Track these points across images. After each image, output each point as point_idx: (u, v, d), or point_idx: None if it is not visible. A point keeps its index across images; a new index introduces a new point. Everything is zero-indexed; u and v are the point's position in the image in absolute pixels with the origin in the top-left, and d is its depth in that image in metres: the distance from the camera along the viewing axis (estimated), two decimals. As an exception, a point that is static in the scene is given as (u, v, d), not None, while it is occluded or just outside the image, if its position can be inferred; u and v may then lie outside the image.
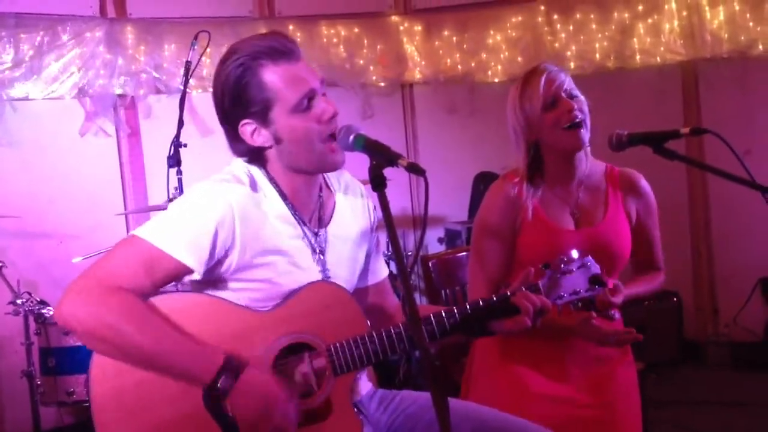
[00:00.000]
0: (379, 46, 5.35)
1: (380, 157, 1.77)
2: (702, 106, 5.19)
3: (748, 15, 4.91)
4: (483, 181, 5.11)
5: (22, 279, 3.95)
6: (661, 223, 2.66)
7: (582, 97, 2.46)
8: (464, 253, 3.15)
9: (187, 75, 4.09)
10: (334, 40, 5.26)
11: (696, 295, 5.33)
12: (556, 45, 5.29)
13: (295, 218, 2.00)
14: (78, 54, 4.57)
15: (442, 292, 3.10)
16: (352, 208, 2.16)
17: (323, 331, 1.93)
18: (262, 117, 1.93)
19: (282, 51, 1.92)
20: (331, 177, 2.16)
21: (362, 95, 5.32)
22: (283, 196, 2.00)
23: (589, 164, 2.56)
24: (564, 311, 2.12)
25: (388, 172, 1.76)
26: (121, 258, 1.85)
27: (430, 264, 3.10)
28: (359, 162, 1.97)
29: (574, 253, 2.10)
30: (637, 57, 5.21)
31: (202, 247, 1.85)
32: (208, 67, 4.72)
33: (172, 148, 3.96)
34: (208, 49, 4.20)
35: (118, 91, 4.74)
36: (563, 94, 2.43)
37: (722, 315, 5.26)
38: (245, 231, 1.90)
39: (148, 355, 1.79)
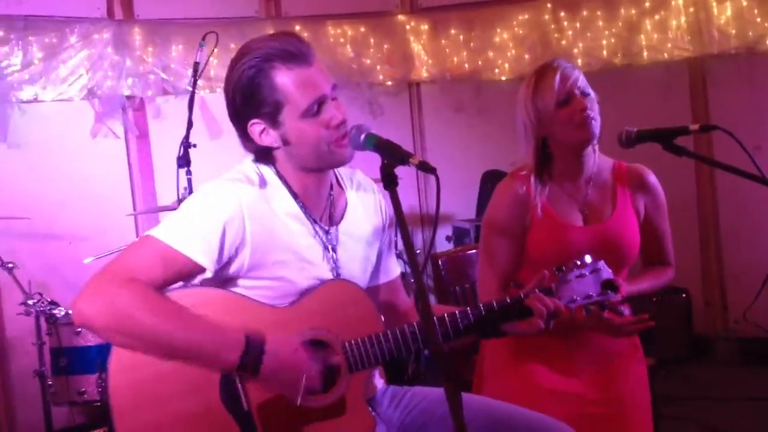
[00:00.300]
0: (385, 46, 5.35)
1: (391, 155, 1.78)
2: (710, 102, 5.18)
3: (755, 10, 4.89)
4: (491, 179, 5.11)
5: (33, 280, 3.97)
6: (670, 219, 2.66)
7: (593, 95, 2.47)
8: (473, 251, 3.15)
9: (195, 76, 4.11)
10: (341, 39, 5.27)
11: (705, 291, 5.32)
12: (563, 42, 5.29)
13: (305, 216, 2.01)
14: (86, 56, 4.60)
15: (452, 289, 3.11)
16: (364, 207, 2.17)
17: (339, 328, 1.95)
18: (272, 118, 1.94)
19: (295, 54, 1.92)
20: (343, 175, 2.17)
21: (369, 95, 5.32)
22: (294, 194, 2.01)
23: (597, 161, 2.56)
24: (576, 314, 2.13)
25: (396, 170, 1.77)
26: (135, 256, 1.87)
27: (439, 262, 3.11)
28: (367, 161, 1.99)
29: (588, 257, 2.12)
30: (645, 53, 5.20)
31: (212, 245, 1.87)
32: (215, 67, 4.73)
33: (182, 148, 3.97)
34: (216, 50, 4.21)
35: (127, 93, 4.76)
36: (576, 92, 2.43)
37: (731, 311, 5.25)
38: (256, 230, 1.92)
39: (169, 341, 1.80)
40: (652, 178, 2.61)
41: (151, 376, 1.84)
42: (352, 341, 1.95)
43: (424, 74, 5.47)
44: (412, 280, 3.22)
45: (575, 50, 5.26)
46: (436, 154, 5.47)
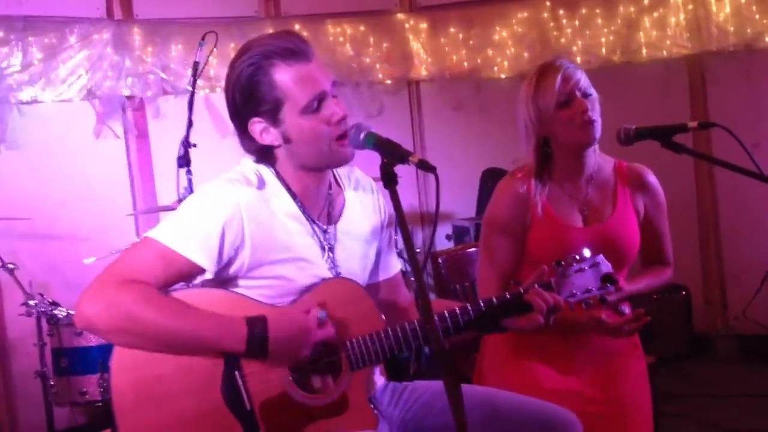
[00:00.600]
0: (385, 44, 5.36)
1: (391, 154, 1.79)
2: (709, 99, 5.18)
3: (754, 7, 4.89)
4: (491, 178, 5.11)
5: (34, 280, 3.97)
6: (669, 218, 2.67)
7: (595, 95, 2.46)
8: (474, 249, 3.16)
9: (195, 75, 4.11)
10: (341, 38, 5.27)
11: (705, 289, 5.32)
12: (562, 40, 5.29)
13: (304, 216, 2.02)
14: (86, 56, 4.60)
15: (453, 287, 3.11)
16: (362, 205, 2.17)
17: (339, 326, 1.95)
18: (272, 116, 1.95)
19: (295, 51, 1.93)
20: (341, 173, 2.17)
21: (369, 93, 5.33)
22: (293, 194, 2.02)
23: (598, 160, 2.56)
24: (576, 309, 2.13)
25: (395, 169, 1.78)
26: (135, 258, 1.88)
27: (439, 260, 3.12)
28: (366, 159, 2.00)
29: (586, 252, 2.11)
30: (644, 51, 5.20)
31: (211, 246, 1.88)
32: (215, 67, 4.74)
33: (182, 148, 3.98)
34: (215, 50, 4.21)
35: (126, 93, 4.76)
36: (578, 93, 2.43)
37: (731, 308, 5.26)
38: (255, 230, 1.92)
39: (173, 335, 1.81)
40: (652, 178, 2.61)
41: (153, 376, 1.84)
42: (353, 339, 1.96)
43: (424, 73, 5.47)
44: (413, 279, 3.22)
45: (574, 48, 5.26)
46: (435, 153, 5.47)
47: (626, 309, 2.37)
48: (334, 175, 2.14)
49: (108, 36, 4.66)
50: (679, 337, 4.97)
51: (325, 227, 2.06)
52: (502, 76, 5.41)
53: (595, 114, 2.43)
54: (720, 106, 5.10)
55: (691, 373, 4.87)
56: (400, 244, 4.04)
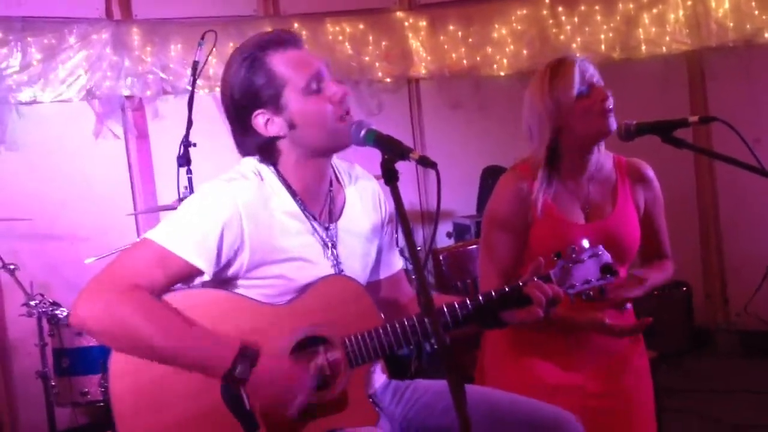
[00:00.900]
0: (384, 43, 5.36)
1: (392, 151, 1.78)
2: (708, 95, 5.18)
3: (753, 3, 4.88)
4: (491, 175, 5.11)
5: (34, 281, 3.97)
6: (670, 213, 2.67)
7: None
8: (474, 246, 3.16)
9: (194, 75, 4.11)
10: (340, 37, 5.27)
11: (706, 284, 5.32)
12: (562, 37, 5.28)
13: (304, 214, 2.02)
14: (85, 56, 4.59)
15: (454, 285, 3.11)
16: (362, 202, 2.17)
17: (338, 323, 1.95)
18: (274, 104, 1.95)
19: (285, 39, 1.97)
20: (342, 171, 2.17)
21: (368, 92, 5.33)
22: (293, 192, 2.01)
23: (601, 157, 2.55)
24: (576, 302, 2.12)
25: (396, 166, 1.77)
26: (134, 259, 1.87)
27: (440, 257, 3.12)
28: (367, 157, 2.00)
29: (585, 243, 2.10)
30: (643, 47, 5.20)
31: (209, 248, 1.87)
32: (214, 66, 4.74)
33: (182, 147, 3.98)
34: (214, 49, 4.21)
35: (126, 93, 4.76)
36: (596, 83, 2.43)
37: (732, 303, 5.26)
38: (254, 230, 1.92)
39: (164, 351, 1.82)
40: (651, 173, 2.61)
41: (152, 379, 1.84)
42: (352, 336, 1.95)
43: (423, 71, 5.47)
44: (413, 277, 3.22)
45: (573, 45, 5.26)
46: (435, 151, 5.47)
47: (628, 305, 2.37)
48: (335, 172, 2.14)
49: (107, 36, 4.65)
50: (680, 333, 4.98)
51: (327, 225, 2.06)
52: (502, 73, 5.41)
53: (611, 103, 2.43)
54: (719, 102, 5.09)
55: (692, 368, 4.88)
56: (401, 242, 4.04)
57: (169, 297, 1.88)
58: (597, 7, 5.24)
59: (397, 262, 2.29)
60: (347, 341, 1.95)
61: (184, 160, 3.97)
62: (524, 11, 5.36)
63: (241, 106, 1.97)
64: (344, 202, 2.13)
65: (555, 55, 2.57)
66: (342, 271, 2.05)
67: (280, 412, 1.86)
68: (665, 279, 2.61)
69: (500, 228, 2.52)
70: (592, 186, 2.54)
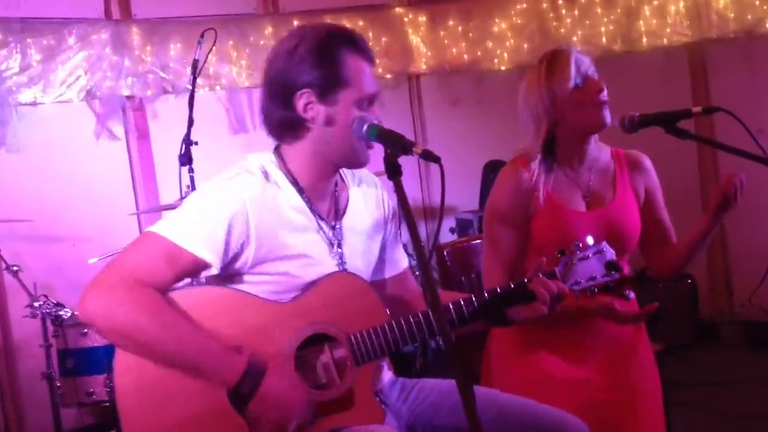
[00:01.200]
0: (384, 39, 5.35)
1: (394, 145, 1.78)
2: (710, 87, 5.17)
3: (753, -7, 4.89)
4: (493, 170, 5.10)
5: (38, 282, 3.97)
6: (673, 204, 2.67)
7: None
8: (478, 241, 3.15)
9: (194, 73, 4.10)
10: (339, 33, 5.25)
11: (710, 276, 5.31)
12: (562, 31, 5.28)
13: (311, 211, 2.01)
14: (84, 57, 4.58)
15: (458, 280, 3.10)
16: (365, 201, 2.16)
17: (343, 321, 1.94)
18: (326, 93, 1.93)
19: (365, 48, 1.99)
20: (346, 170, 2.16)
21: (369, 88, 5.31)
22: (299, 189, 2.00)
23: (597, 149, 2.56)
24: (581, 297, 2.12)
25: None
26: (140, 254, 1.87)
27: (444, 252, 3.11)
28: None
29: (590, 240, 2.10)
30: (644, 40, 5.19)
31: (217, 241, 1.87)
32: (214, 65, 4.74)
33: (183, 146, 3.97)
34: (214, 47, 4.21)
35: (126, 93, 4.75)
36: (592, 74, 2.44)
37: (737, 295, 5.25)
38: (260, 225, 1.91)
39: (170, 354, 1.82)
40: (648, 162, 2.63)
41: (157, 376, 1.84)
42: (357, 333, 1.95)
43: (423, 66, 5.46)
44: (417, 273, 3.21)
45: (574, 38, 5.25)
46: (437, 146, 5.43)
47: (631, 294, 2.36)
48: (340, 173, 2.13)
49: (106, 36, 4.64)
50: (685, 325, 4.97)
51: (333, 223, 2.05)
52: (503, 68, 5.40)
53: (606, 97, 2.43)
54: (721, 93, 5.08)
55: (697, 360, 4.87)
56: (405, 236, 4.03)
57: (173, 294, 1.88)
58: (597, 0, 5.22)
59: (402, 260, 2.28)
60: (353, 339, 1.94)
61: (185, 158, 3.97)
62: (524, 5, 5.35)
63: (293, 78, 1.94)
64: (348, 201, 2.12)
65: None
66: (346, 269, 2.04)
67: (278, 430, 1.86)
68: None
69: (502, 221, 2.51)
70: (591, 175, 2.55)
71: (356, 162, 2.02)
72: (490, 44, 5.39)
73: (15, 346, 4.43)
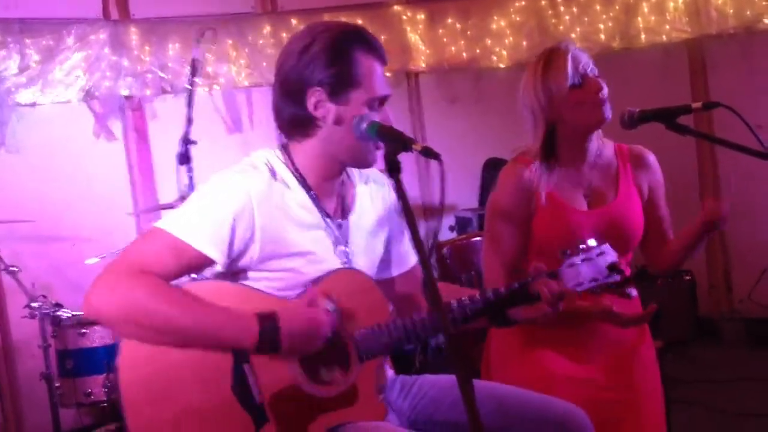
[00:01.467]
0: (382, 37, 5.31)
1: (394, 142, 1.78)
2: (709, 83, 5.18)
3: (752, -11, 4.89)
4: (493, 168, 5.10)
5: (37, 282, 3.97)
6: (672, 200, 2.65)
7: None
8: (477, 238, 3.15)
9: (193, 73, 4.10)
10: (338, 32, 5.25)
11: (709, 273, 5.32)
12: (561, 28, 5.28)
13: (317, 208, 2.00)
14: (83, 57, 4.58)
15: (459, 277, 3.10)
16: (372, 198, 2.16)
17: (347, 317, 1.94)
18: (337, 91, 1.93)
19: (378, 48, 1.98)
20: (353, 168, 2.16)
21: (367, 86, 5.30)
22: (306, 186, 2.00)
23: (599, 145, 2.54)
24: (583, 297, 2.11)
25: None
26: (146, 248, 1.87)
27: (444, 250, 3.11)
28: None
29: (592, 241, 2.09)
30: (643, 36, 5.19)
31: (222, 238, 1.87)
32: (212, 64, 4.73)
33: (182, 145, 3.97)
34: (213, 47, 4.21)
35: (125, 93, 4.74)
36: (589, 73, 2.41)
37: (736, 292, 5.25)
38: (266, 222, 1.91)
39: (183, 331, 1.81)
40: (653, 158, 2.60)
41: (162, 370, 1.83)
42: (362, 330, 1.94)
43: (422, 64, 5.45)
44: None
45: (573, 35, 5.24)
46: (436, 144, 5.29)
47: (633, 292, 2.35)
48: (346, 170, 2.13)
49: (105, 36, 4.64)
50: (685, 321, 4.98)
51: (339, 221, 2.05)
52: (501, 65, 5.39)
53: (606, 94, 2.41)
54: (720, 89, 5.08)
55: (697, 357, 4.87)
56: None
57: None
58: (596, -4, 5.23)
59: (410, 257, 2.25)
60: (357, 334, 1.94)
61: (184, 157, 3.96)
62: (522, 2, 5.34)
63: (304, 75, 1.93)
64: (354, 199, 2.12)
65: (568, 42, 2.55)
66: (352, 266, 2.04)
67: (308, 350, 1.86)
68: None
69: (504, 218, 2.51)
70: (593, 173, 2.53)
71: (364, 162, 2.01)
72: (488, 42, 5.38)
73: (14, 346, 4.43)
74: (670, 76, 5.19)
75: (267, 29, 5.04)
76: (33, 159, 4.51)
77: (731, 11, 4.93)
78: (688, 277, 5.01)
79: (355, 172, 2.15)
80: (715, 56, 5.13)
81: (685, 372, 4.53)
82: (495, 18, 5.36)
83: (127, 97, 4.77)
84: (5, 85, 4.38)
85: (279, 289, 1.95)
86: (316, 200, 2.01)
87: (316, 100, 1.93)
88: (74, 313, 3.87)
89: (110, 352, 3.76)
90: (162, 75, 4.79)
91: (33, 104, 4.50)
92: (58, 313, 3.86)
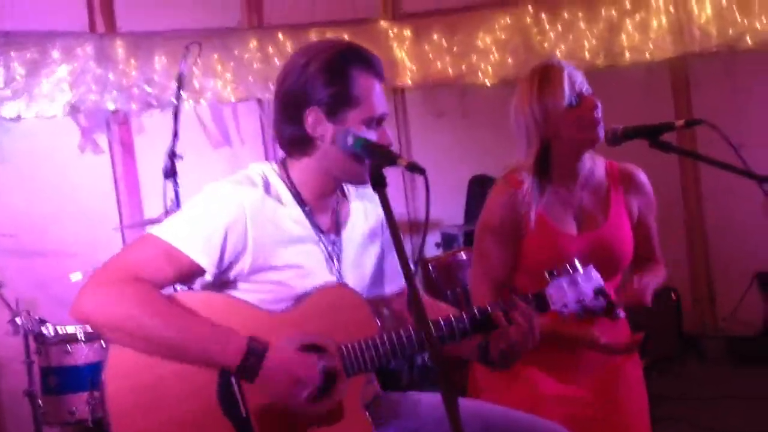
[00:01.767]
0: (369, 53, 5.35)
1: (380, 156, 1.79)
2: (692, 101, 5.23)
3: (735, 8, 4.93)
4: (479, 184, 5.12)
5: (20, 297, 3.93)
6: (656, 218, 2.66)
7: None
8: (462, 254, 3.15)
9: (179, 87, 4.10)
10: (324, 48, 5.26)
11: (693, 290, 5.34)
12: (546, 45, 5.31)
13: (310, 223, 2.00)
14: (69, 70, 4.57)
15: (445, 293, 3.10)
16: (366, 214, 2.16)
17: (334, 332, 1.94)
18: (334, 112, 1.93)
19: (376, 65, 1.97)
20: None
21: (353, 102, 5.31)
22: (301, 201, 2.00)
23: (591, 164, 2.51)
24: (569, 319, 2.11)
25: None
26: (137, 253, 1.89)
27: (429, 266, 3.11)
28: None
29: (578, 264, 2.08)
30: (627, 54, 5.24)
31: (213, 247, 1.87)
32: (198, 78, 4.73)
33: (168, 159, 3.96)
34: (199, 61, 4.21)
35: (111, 107, 4.73)
36: (585, 92, 2.40)
37: (719, 309, 5.28)
38: (258, 234, 1.91)
39: (170, 342, 1.81)
40: (644, 177, 2.58)
41: (148, 382, 1.83)
42: (349, 345, 1.94)
43: (408, 80, 5.47)
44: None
45: (557, 52, 5.28)
46: (421, 160, 5.24)
47: (621, 313, 2.34)
48: (341, 186, 2.13)
49: (91, 50, 4.63)
50: (669, 339, 4.99)
51: (333, 237, 2.05)
52: (487, 82, 5.42)
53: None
54: (703, 108, 5.13)
55: (680, 374, 4.88)
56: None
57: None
58: (580, 14, 5.27)
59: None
60: (344, 350, 1.94)
61: (170, 172, 3.95)
62: (508, 20, 5.38)
63: (303, 95, 1.94)
64: (348, 214, 2.12)
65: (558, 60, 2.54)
66: (342, 281, 2.04)
67: (290, 404, 1.85)
68: (659, 283, 2.59)
69: (493, 237, 2.48)
70: (584, 193, 2.50)
71: (360, 179, 2.00)
72: (474, 58, 5.41)
73: (-3, 362, 4.39)
74: (653, 94, 5.23)
75: (253, 44, 5.05)
76: (18, 173, 4.49)
77: (714, 30, 4.98)
78: (672, 294, 5.02)
79: (351, 189, 2.15)
80: (698, 74, 5.18)
81: (671, 388, 4.53)
82: (481, 35, 5.39)
83: (113, 111, 4.76)
84: (-10, 99, 4.37)
85: (268, 301, 1.95)
86: (310, 215, 2.01)
87: (312, 119, 1.94)
88: (58, 329, 3.83)
89: (94, 369, 3.72)
90: (148, 89, 4.78)
91: (18, 118, 4.48)
92: (42, 328, 3.82)
